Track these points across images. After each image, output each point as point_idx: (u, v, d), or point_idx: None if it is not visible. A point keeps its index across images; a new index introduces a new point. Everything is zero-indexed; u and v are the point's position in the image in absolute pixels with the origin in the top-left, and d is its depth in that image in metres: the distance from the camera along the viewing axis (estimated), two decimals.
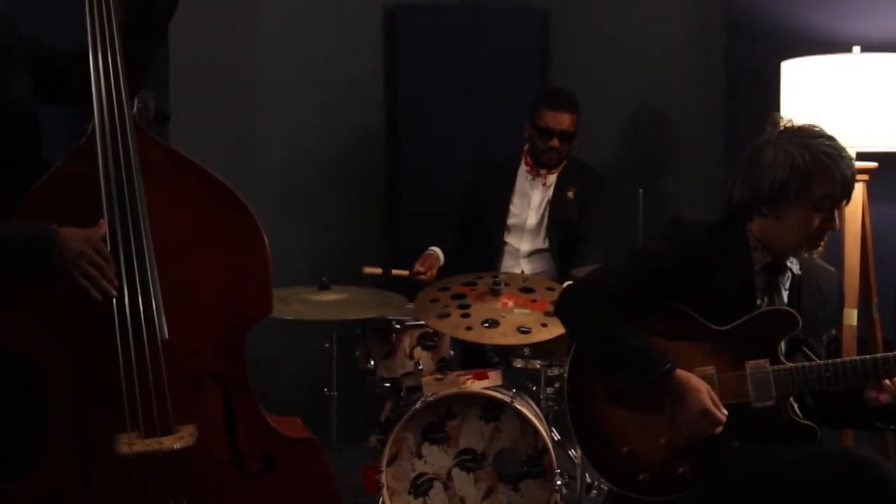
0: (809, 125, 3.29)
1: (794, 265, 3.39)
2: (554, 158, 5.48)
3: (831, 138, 3.24)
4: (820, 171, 3.17)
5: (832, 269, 3.56)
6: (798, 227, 3.23)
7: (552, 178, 5.53)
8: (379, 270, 5.29)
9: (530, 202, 5.55)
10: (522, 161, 5.61)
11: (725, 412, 3.17)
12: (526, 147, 5.60)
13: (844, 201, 3.25)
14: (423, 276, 5.32)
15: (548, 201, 5.53)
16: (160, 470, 2.97)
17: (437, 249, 5.54)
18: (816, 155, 3.17)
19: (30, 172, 3.01)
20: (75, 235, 2.85)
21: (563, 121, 5.41)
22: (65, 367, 2.99)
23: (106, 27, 3.02)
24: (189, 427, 3.01)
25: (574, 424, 3.43)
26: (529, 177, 5.57)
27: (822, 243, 3.35)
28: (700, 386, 3.19)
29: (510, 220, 5.57)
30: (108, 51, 3.00)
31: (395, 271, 5.35)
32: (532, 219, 5.53)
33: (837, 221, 3.26)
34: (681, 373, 3.20)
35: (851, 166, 3.21)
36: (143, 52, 3.22)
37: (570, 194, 5.50)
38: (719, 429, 3.16)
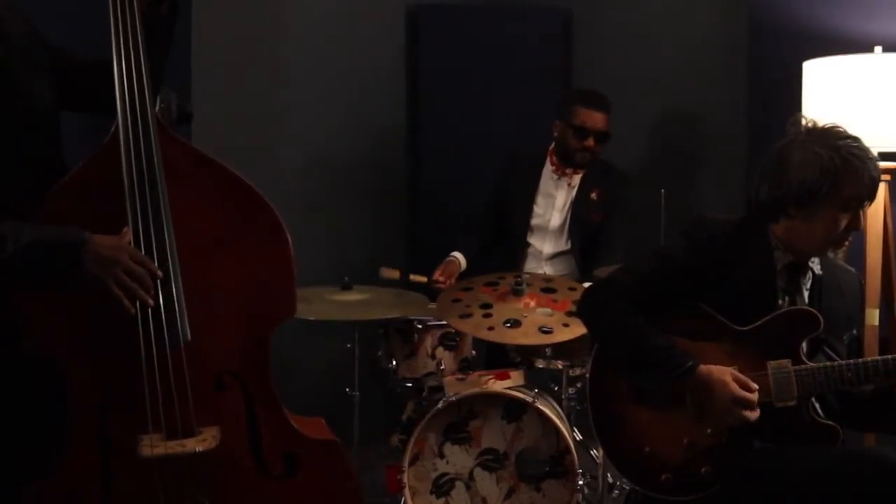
0: (833, 126, 3.29)
1: (815, 265, 3.39)
2: (587, 158, 5.44)
3: (857, 139, 3.24)
4: (849, 172, 3.16)
5: (852, 269, 3.56)
6: (826, 228, 3.23)
7: (577, 179, 5.51)
8: (398, 273, 5.25)
9: (554, 203, 5.53)
10: (547, 161, 5.60)
11: (756, 387, 3.17)
12: (551, 147, 5.58)
13: (869, 202, 3.26)
14: (441, 285, 5.26)
15: (571, 202, 5.51)
16: (182, 471, 2.97)
17: (458, 255, 5.51)
18: (846, 157, 3.17)
19: (51, 175, 3.02)
20: (111, 243, 2.86)
21: (599, 120, 5.39)
22: (86, 368, 2.99)
23: (129, 26, 3.02)
24: (211, 429, 3.01)
25: (596, 424, 3.44)
26: (555, 177, 5.55)
27: (846, 243, 3.36)
28: (723, 376, 3.18)
29: (533, 221, 5.55)
30: (132, 50, 3.01)
31: (413, 276, 5.31)
32: (556, 220, 5.51)
33: (862, 221, 3.26)
34: (703, 368, 3.20)
35: (877, 167, 3.22)
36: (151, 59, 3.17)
37: (594, 195, 5.48)
38: (756, 413, 3.16)
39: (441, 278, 5.32)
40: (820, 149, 3.20)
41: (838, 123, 3.29)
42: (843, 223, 3.22)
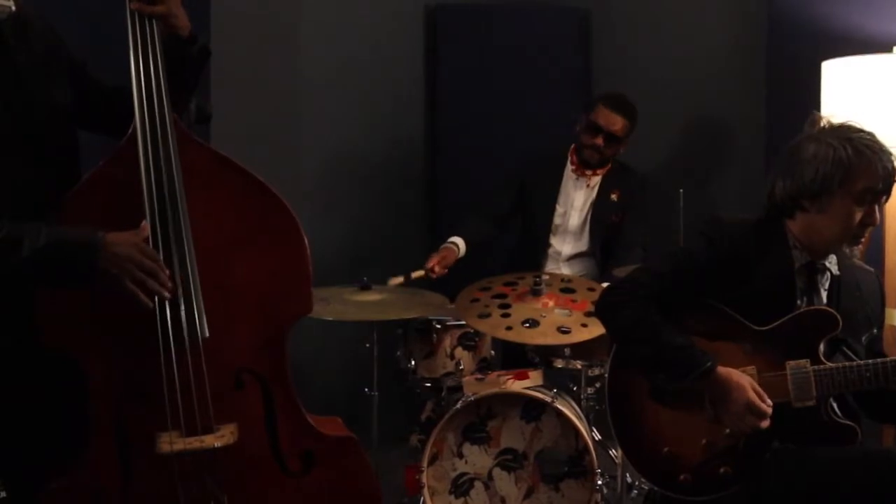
0: (848, 122, 3.29)
1: (832, 265, 3.38)
2: (594, 157, 5.45)
3: (871, 133, 3.25)
4: (862, 163, 3.17)
5: (871, 268, 3.55)
6: (840, 221, 3.23)
7: (596, 180, 5.52)
8: (401, 279, 5.20)
9: (573, 203, 5.54)
10: (568, 160, 5.61)
11: (770, 403, 3.17)
12: (573, 146, 5.59)
13: (885, 197, 3.25)
14: (433, 275, 5.25)
15: (591, 203, 5.51)
16: (201, 468, 2.98)
17: (458, 241, 5.45)
18: (858, 147, 3.18)
19: (67, 181, 3.03)
20: (123, 240, 2.86)
21: (615, 122, 5.39)
22: (106, 366, 3.00)
23: (147, 27, 3.04)
24: (230, 426, 3.02)
25: (615, 424, 3.44)
26: (574, 176, 5.55)
27: (863, 240, 3.35)
28: (742, 381, 3.18)
29: (554, 221, 5.56)
30: (149, 51, 3.02)
31: (413, 274, 5.24)
32: (574, 219, 5.52)
33: (878, 217, 3.26)
34: (722, 370, 3.19)
35: (892, 161, 3.22)
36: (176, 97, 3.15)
37: (614, 197, 5.48)
38: (766, 422, 3.16)
39: (436, 268, 5.28)
40: (833, 140, 3.21)
41: (854, 121, 3.30)
42: (858, 216, 3.21)
